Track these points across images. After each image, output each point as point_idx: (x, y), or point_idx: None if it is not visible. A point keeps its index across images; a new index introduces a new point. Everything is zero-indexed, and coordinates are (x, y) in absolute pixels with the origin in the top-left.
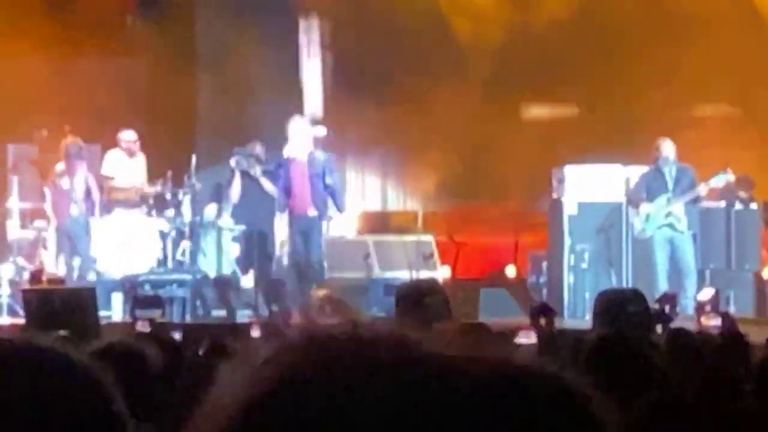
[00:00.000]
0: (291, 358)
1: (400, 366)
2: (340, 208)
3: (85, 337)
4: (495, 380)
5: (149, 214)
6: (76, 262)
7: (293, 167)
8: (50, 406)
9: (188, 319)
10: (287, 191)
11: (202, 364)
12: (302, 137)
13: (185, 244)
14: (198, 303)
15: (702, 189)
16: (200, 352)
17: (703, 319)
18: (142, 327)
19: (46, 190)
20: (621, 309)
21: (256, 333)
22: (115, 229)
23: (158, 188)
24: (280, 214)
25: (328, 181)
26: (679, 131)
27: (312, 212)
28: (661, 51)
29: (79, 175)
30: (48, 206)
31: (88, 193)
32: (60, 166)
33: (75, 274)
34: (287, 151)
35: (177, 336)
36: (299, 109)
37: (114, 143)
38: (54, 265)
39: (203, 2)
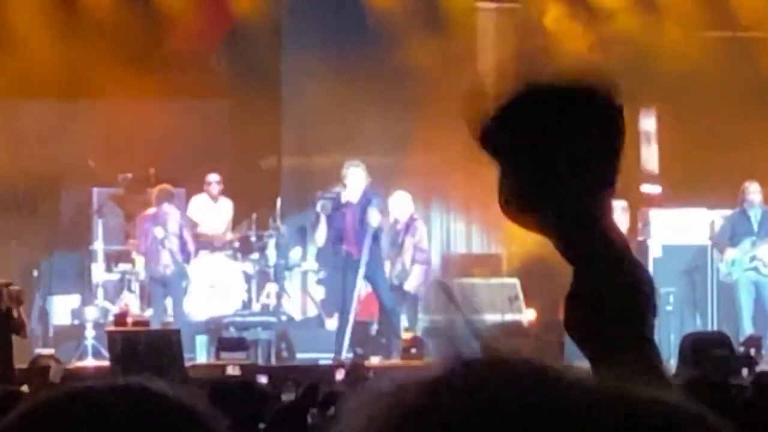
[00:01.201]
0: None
1: (547, 399)
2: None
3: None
4: (650, 416)
5: (234, 257)
6: (169, 307)
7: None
8: None
9: (273, 361)
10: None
11: (294, 410)
12: (359, 182)
13: (270, 287)
14: (283, 346)
15: None
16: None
17: None
18: (233, 370)
19: (136, 235)
20: (706, 352)
21: (340, 376)
22: (200, 272)
23: (243, 232)
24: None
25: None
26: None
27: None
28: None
29: (172, 222)
30: (136, 251)
31: (180, 239)
32: (150, 212)
33: (168, 320)
34: (345, 196)
35: (263, 380)
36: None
37: (199, 187)
38: (138, 307)
39: (288, 42)
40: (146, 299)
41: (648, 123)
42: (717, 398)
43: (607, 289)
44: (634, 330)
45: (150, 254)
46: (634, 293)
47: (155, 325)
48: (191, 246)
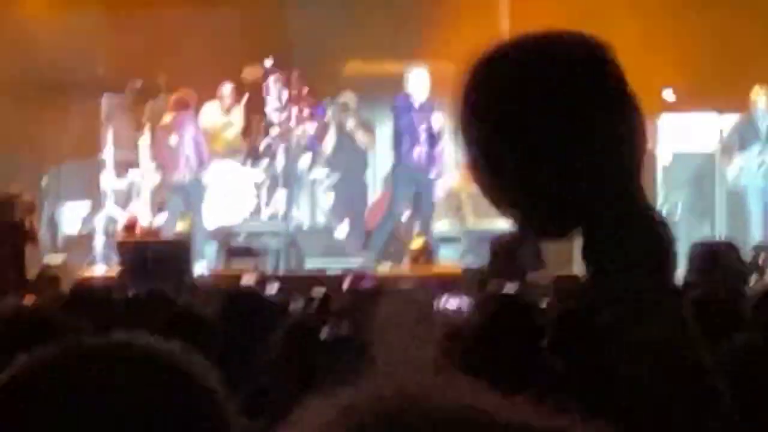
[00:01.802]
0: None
1: None
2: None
3: (179, 289)
4: None
5: (243, 164)
6: (188, 217)
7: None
8: (160, 414)
9: (281, 269)
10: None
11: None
12: (422, 84)
13: (280, 194)
14: (292, 253)
15: None
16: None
17: None
18: (248, 280)
19: (153, 143)
20: (716, 260)
21: (346, 285)
22: (210, 181)
23: (253, 139)
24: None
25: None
26: None
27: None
28: None
29: (189, 130)
30: (154, 160)
31: (196, 147)
32: (167, 119)
33: (186, 229)
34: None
35: (274, 288)
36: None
37: (210, 94)
38: (148, 215)
39: None
40: (156, 207)
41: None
42: (726, 315)
43: (631, 240)
44: (662, 282)
45: (167, 163)
46: (659, 246)
47: (167, 234)
48: (206, 154)
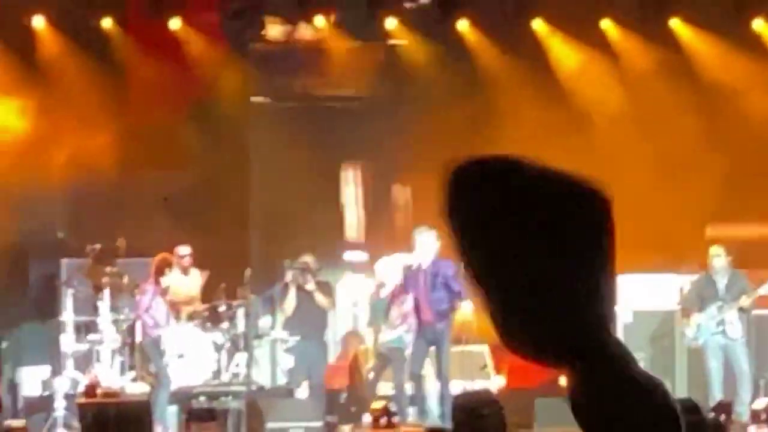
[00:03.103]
0: None
1: None
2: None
3: None
4: None
5: (204, 326)
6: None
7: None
8: None
9: (243, 431)
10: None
11: None
12: (429, 247)
13: (240, 356)
14: (252, 415)
15: (753, 296)
16: None
17: (757, 428)
18: None
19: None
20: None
21: None
22: (171, 342)
23: (213, 302)
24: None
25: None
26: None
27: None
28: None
29: (149, 292)
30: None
31: (161, 309)
32: (147, 284)
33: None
34: (413, 260)
35: None
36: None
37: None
38: (108, 378)
39: (258, 115)
40: (116, 369)
41: None
42: None
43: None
44: None
45: (148, 324)
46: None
47: (128, 396)
48: (165, 316)
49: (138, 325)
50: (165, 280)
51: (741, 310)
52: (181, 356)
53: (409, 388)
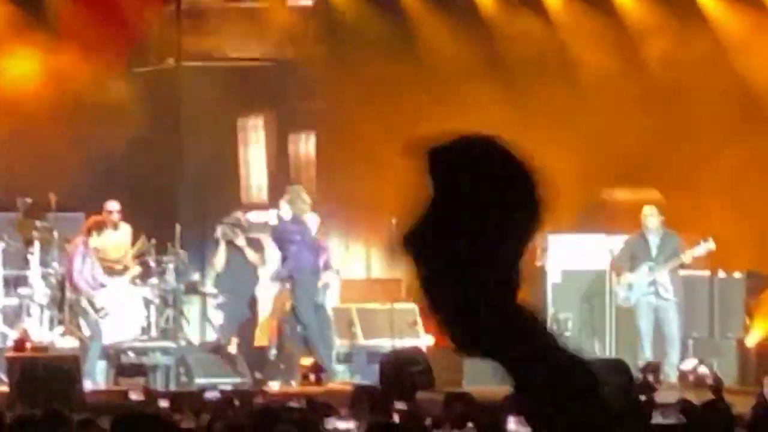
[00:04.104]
0: None
1: None
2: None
3: (69, 404)
4: None
5: (133, 282)
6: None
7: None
8: None
9: (172, 386)
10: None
11: None
12: (303, 204)
13: (169, 312)
14: (181, 370)
15: (685, 258)
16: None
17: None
18: (136, 395)
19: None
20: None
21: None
22: (101, 298)
23: (142, 258)
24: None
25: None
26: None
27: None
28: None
29: (88, 249)
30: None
31: (93, 265)
32: (80, 240)
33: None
34: (287, 216)
35: (164, 404)
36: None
37: (98, 213)
38: (37, 332)
39: (189, 74)
40: (45, 324)
41: None
42: None
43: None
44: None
45: (82, 280)
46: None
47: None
48: (100, 272)
49: (68, 282)
50: (93, 241)
51: (676, 270)
52: (110, 312)
53: (338, 344)
